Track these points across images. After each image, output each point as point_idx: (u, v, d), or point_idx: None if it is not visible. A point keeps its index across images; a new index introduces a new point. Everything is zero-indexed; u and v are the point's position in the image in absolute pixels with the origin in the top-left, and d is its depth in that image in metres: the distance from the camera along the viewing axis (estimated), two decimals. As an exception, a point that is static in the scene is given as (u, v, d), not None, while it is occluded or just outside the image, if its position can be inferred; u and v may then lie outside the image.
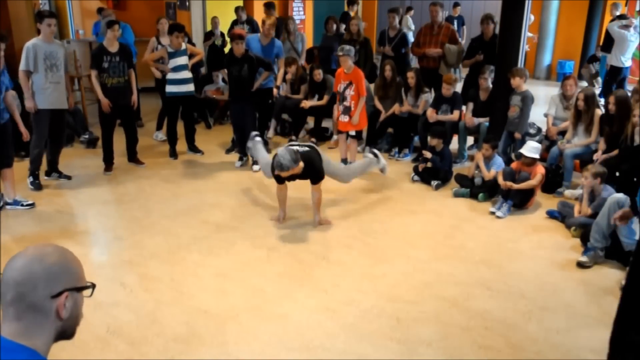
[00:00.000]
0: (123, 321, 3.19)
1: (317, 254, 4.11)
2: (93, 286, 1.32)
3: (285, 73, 7.15)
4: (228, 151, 6.76)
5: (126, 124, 6.06)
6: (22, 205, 4.85)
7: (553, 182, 5.44)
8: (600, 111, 5.53)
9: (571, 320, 3.29)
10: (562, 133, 5.83)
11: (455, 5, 12.69)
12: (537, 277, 3.81)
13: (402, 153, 6.70)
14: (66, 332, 1.30)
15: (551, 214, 4.86)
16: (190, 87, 6.36)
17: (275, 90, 6.94)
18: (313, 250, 4.18)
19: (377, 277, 3.77)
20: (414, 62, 7.72)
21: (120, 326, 3.14)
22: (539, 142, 5.51)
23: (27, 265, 1.22)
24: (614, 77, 9.17)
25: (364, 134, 6.79)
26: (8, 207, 4.83)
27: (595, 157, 5.17)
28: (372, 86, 7.01)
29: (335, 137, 7.07)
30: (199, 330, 3.11)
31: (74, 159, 6.32)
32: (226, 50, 8.40)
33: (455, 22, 11.87)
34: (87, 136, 6.97)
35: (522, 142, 5.46)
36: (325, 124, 7.54)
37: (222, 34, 9.23)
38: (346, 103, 5.83)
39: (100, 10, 9.30)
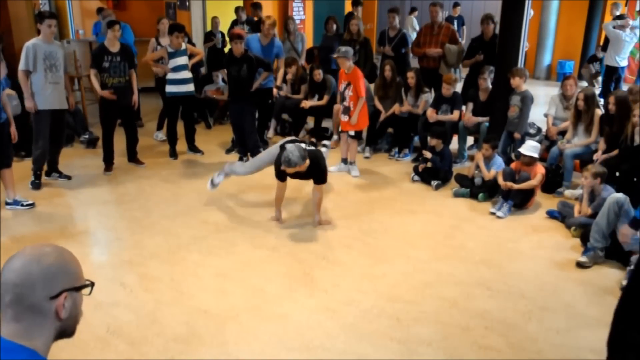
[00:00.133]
0: (123, 321, 3.19)
1: (317, 254, 4.11)
2: (92, 285, 1.31)
3: (285, 73, 7.15)
4: (228, 151, 6.76)
5: (127, 123, 6.06)
6: (22, 205, 4.85)
7: (553, 182, 5.44)
8: (600, 111, 5.53)
9: (571, 320, 3.29)
10: (562, 133, 5.83)
11: (455, 5, 12.70)
12: (537, 277, 3.81)
13: (402, 153, 6.70)
14: (66, 332, 1.30)
15: (551, 214, 4.86)
16: (190, 87, 6.36)
17: (275, 90, 6.95)
18: (313, 250, 4.18)
19: (377, 277, 3.77)
20: (414, 62, 7.71)
21: (120, 326, 3.14)
22: (539, 142, 5.51)
23: (24, 266, 1.21)
24: (611, 76, 9.20)
25: (365, 135, 6.80)
26: (8, 207, 4.82)
27: (595, 157, 5.17)
28: (372, 86, 7.01)
29: (335, 137, 7.08)
30: (199, 330, 3.11)
31: (74, 159, 6.32)
32: (226, 50, 8.41)
33: (455, 22, 11.88)
34: (87, 136, 6.97)
35: (522, 142, 5.46)
36: (325, 124, 7.54)
37: (222, 34, 9.24)
38: (345, 103, 5.83)
39: (100, 10, 9.30)
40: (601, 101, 6.52)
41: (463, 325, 3.20)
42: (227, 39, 8.64)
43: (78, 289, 1.29)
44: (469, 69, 7.08)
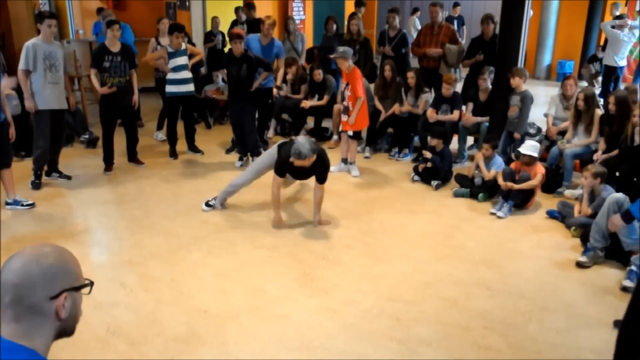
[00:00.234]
0: (123, 321, 3.19)
1: (317, 254, 4.11)
2: (91, 284, 1.31)
3: (285, 73, 7.15)
4: (228, 151, 6.76)
5: (127, 123, 6.06)
6: (22, 205, 4.85)
7: (553, 182, 5.44)
8: (600, 111, 5.54)
9: (571, 320, 3.29)
10: (562, 133, 5.83)
11: (455, 5, 12.70)
12: (537, 277, 3.81)
13: (402, 153, 6.70)
14: (66, 331, 1.30)
15: (551, 214, 4.86)
16: (190, 87, 6.36)
17: (275, 90, 6.95)
18: (313, 250, 4.18)
19: (377, 277, 3.77)
20: (415, 62, 7.72)
21: (120, 326, 3.14)
22: (539, 142, 5.51)
23: (24, 266, 1.21)
24: (610, 76, 9.21)
25: (365, 135, 6.80)
26: (8, 207, 4.82)
27: (595, 157, 5.17)
28: (372, 86, 7.02)
29: (335, 137, 7.08)
30: (199, 330, 3.11)
31: (74, 159, 6.32)
32: (226, 50, 8.40)
33: (455, 22, 11.89)
34: (87, 136, 6.97)
35: (522, 142, 5.46)
36: (325, 124, 7.54)
37: (222, 34, 9.24)
38: (345, 103, 5.84)
39: (100, 10, 9.30)
40: (601, 101, 6.53)
41: (463, 325, 3.20)
42: (227, 39, 8.64)
43: (78, 288, 1.29)
44: (469, 69, 7.08)
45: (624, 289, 3.61)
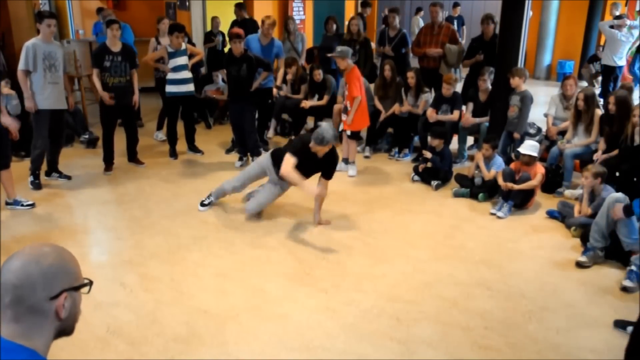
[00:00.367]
0: (123, 321, 3.19)
1: (317, 254, 4.11)
2: (90, 283, 1.31)
3: (285, 73, 7.15)
4: (228, 151, 6.76)
5: (127, 123, 6.06)
6: (22, 205, 4.85)
7: (553, 182, 5.44)
8: (600, 111, 5.54)
9: (571, 320, 3.29)
10: (562, 133, 5.84)
11: (455, 5, 12.70)
12: (537, 277, 3.81)
13: (402, 153, 6.70)
14: (65, 331, 1.30)
15: (551, 214, 4.86)
16: (190, 87, 6.36)
17: (275, 90, 6.94)
18: (313, 250, 4.18)
19: (377, 277, 3.77)
20: (415, 62, 7.72)
21: (120, 326, 3.14)
22: (539, 142, 5.51)
23: (24, 267, 1.21)
24: (609, 76, 9.21)
25: (365, 135, 6.80)
26: (8, 207, 4.82)
27: (595, 157, 5.17)
28: (372, 86, 7.02)
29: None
30: (199, 330, 3.11)
31: (74, 159, 6.32)
32: (226, 50, 8.41)
33: (455, 22, 11.88)
34: (87, 136, 6.97)
35: (521, 142, 5.46)
36: (325, 124, 7.54)
37: (222, 34, 9.24)
38: (345, 102, 5.84)
39: (100, 10, 9.30)
40: (601, 101, 6.53)
41: (463, 325, 3.20)
42: (227, 39, 8.64)
43: (77, 288, 1.29)
44: (469, 69, 7.08)
45: (624, 289, 3.61)
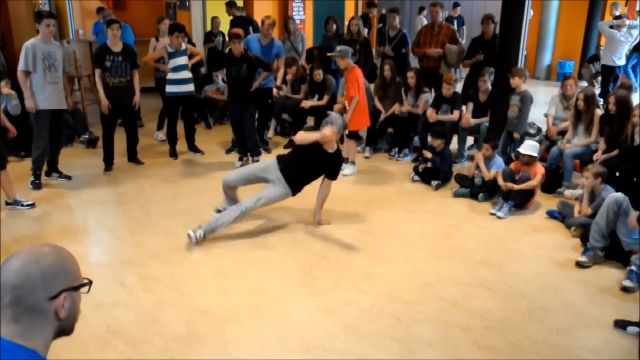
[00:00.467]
0: (123, 321, 3.19)
1: (317, 254, 4.11)
2: (90, 283, 1.31)
3: (285, 73, 7.15)
4: (228, 151, 6.76)
5: (127, 123, 6.06)
6: (22, 205, 4.85)
7: (553, 182, 5.44)
8: (600, 111, 5.53)
9: (571, 320, 3.29)
10: (562, 133, 5.83)
11: (455, 5, 12.70)
12: (537, 277, 3.81)
13: (402, 153, 6.70)
14: (65, 330, 1.30)
15: (551, 214, 4.86)
16: (190, 87, 6.36)
17: (275, 90, 6.94)
18: (313, 250, 4.18)
19: (377, 277, 3.77)
20: (415, 62, 7.72)
21: (120, 326, 3.14)
22: (539, 142, 5.51)
23: (23, 267, 1.21)
24: (608, 76, 9.21)
25: (365, 135, 6.80)
26: (8, 207, 4.82)
27: (595, 157, 5.17)
28: (372, 86, 7.02)
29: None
30: (199, 330, 3.11)
31: (74, 159, 6.32)
32: (226, 50, 8.40)
33: (455, 22, 11.89)
34: (87, 136, 6.97)
35: (521, 142, 5.46)
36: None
37: (222, 34, 9.23)
38: (344, 102, 5.85)
39: (100, 10, 9.30)
40: (600, 101, 6.53)
41: (463, 325, 3.20)
42: (227, 39, 8.64)
43: (77, 288, 1.29)
44: (469, 69, 7.08)
45: (624, 289, 3.61)
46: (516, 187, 4.90)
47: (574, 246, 4.29)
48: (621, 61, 9.16)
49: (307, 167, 4.41)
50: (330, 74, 7.46)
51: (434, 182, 5.58)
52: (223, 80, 8.09)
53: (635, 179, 4.77)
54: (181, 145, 6.60)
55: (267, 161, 4.65)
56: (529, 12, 5.91)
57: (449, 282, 3.72)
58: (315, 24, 12.01)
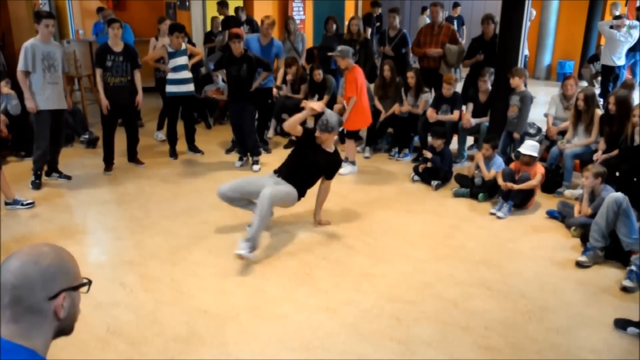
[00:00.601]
0: (123, 321, 3.19)
1: (317, 254, 4.11)
2: (89, 283, 1.31)
3: (285, 73, 7.15)
4: (228, 151, 6.76)
5: (127, 123, 6.06)
6: (22, 205, 4.85)
7: (553, 182, 5.44)
8: (600, 111, 5.53)
9: (571, 320, 3.29)
10: (562, 133, 5.83)
11: (455, 5, 12.70)
12: (537, 277, 3.81)
13: (402, 153, 6.70)
14: (64, 330, 1.30)
15: (551, 214, 4.86)
16: (190, 87, 6.36)
17: (275, 90, 6.94)
18: (313, 250, 4.18)
19: (377, 277, 3.77)
20: (415, 62, 7.73)
21: (120, 326, 3.14)
22: (539, 142, 5.51)
23: (22, 267, 1.20)
24: (608, 76, 9.20)
25: (365, 135, 6.80)
26: (8, 206, 4.82)
27: (595, 157, 5.17)
28: (372, 86, 7.02)
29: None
30: (199, 330, 3.11)
31: (74, 159, 6.32)
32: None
33: (455, 22, 11.89)
34: (87, 136, 6.97)
35: (521, 142, 5.46)
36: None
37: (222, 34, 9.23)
38: (343, 102, 5.85)
39: (100, 10, 9.31)
40: (600, 101, 6.53)
41: (463, 325, 3.20)
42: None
43: (76, 288, 1.29)
44: (469, 69, 7.09)
45: (624, 289, 3.61)
46: (516, 187, 4.90)
47: (574, 246, 4.29)
48: (621, 61, 9.16)
49: (307, 167, 4.41)
50: (330, 74, 7.46)
51: (434, 182, 5.58)
52: (223, 80, 8.09)
53: (635, 179, 4.77)
54: (181, 145, 6.60)
55: (262, 176, 4.60)
56: (531, 13, 5.90)
57: (449, 282, 3.72)
58: (315, 24, 12.02)
